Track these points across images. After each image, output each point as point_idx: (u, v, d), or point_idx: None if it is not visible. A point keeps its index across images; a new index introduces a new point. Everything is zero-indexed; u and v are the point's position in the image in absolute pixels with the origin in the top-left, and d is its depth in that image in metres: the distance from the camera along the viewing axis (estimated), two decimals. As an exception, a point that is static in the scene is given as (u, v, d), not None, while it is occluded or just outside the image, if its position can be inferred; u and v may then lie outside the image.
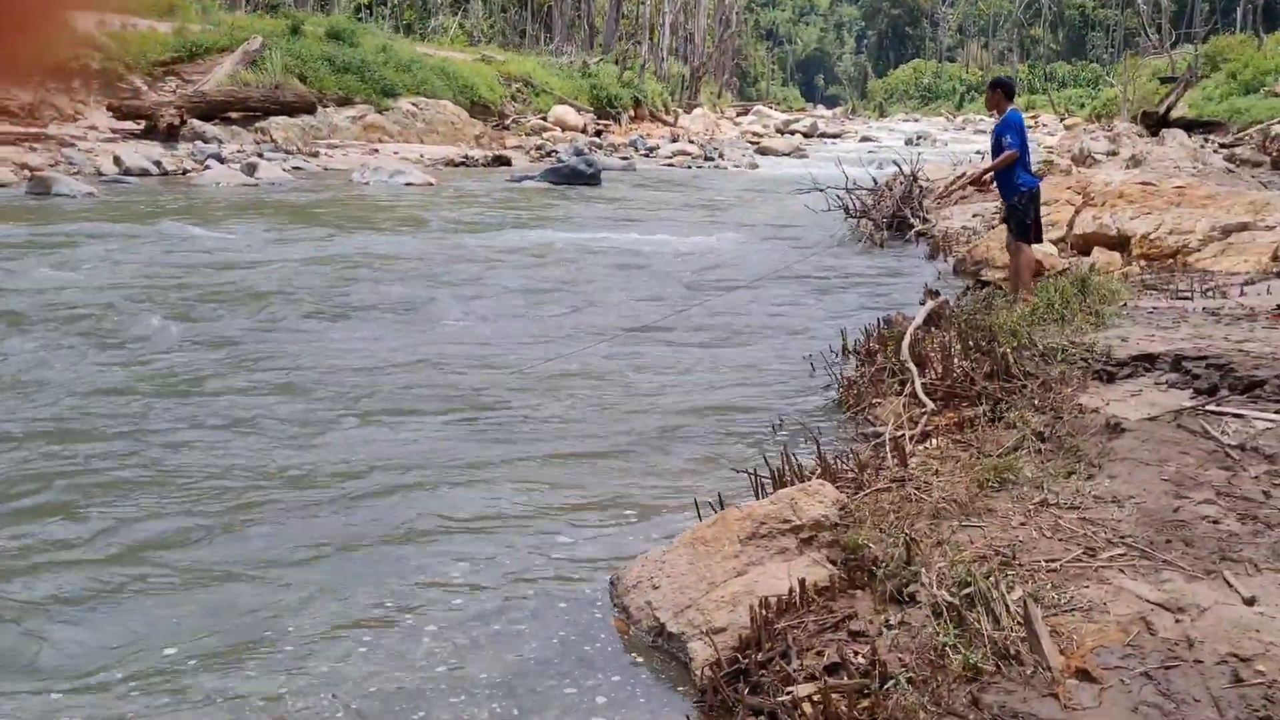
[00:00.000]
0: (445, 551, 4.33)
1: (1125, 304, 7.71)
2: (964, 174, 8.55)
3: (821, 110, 68.07)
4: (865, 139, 44.17)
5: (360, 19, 38.46)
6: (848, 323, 8.94)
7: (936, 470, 4.43)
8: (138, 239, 11.72)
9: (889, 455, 4.70)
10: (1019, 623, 2.69)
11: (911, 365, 6.07)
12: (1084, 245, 11.76)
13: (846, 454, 4.77)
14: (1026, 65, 72.53)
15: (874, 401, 6.14)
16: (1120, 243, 11.56)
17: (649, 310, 9.03)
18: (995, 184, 8.19)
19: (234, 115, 25.07)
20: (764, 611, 3.08)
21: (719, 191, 22.09)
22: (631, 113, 38.69)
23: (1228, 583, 2.93)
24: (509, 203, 18.22)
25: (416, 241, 12.91)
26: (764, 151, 36.60)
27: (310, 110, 26.37)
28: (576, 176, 22.31)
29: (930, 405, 5.62)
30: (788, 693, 2.65)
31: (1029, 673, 2.53)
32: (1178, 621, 2.70)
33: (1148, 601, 2.82)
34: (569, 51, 41.96)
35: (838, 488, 4.32)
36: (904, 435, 5.39)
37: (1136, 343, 6.12)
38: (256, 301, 8.91)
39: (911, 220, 15.07)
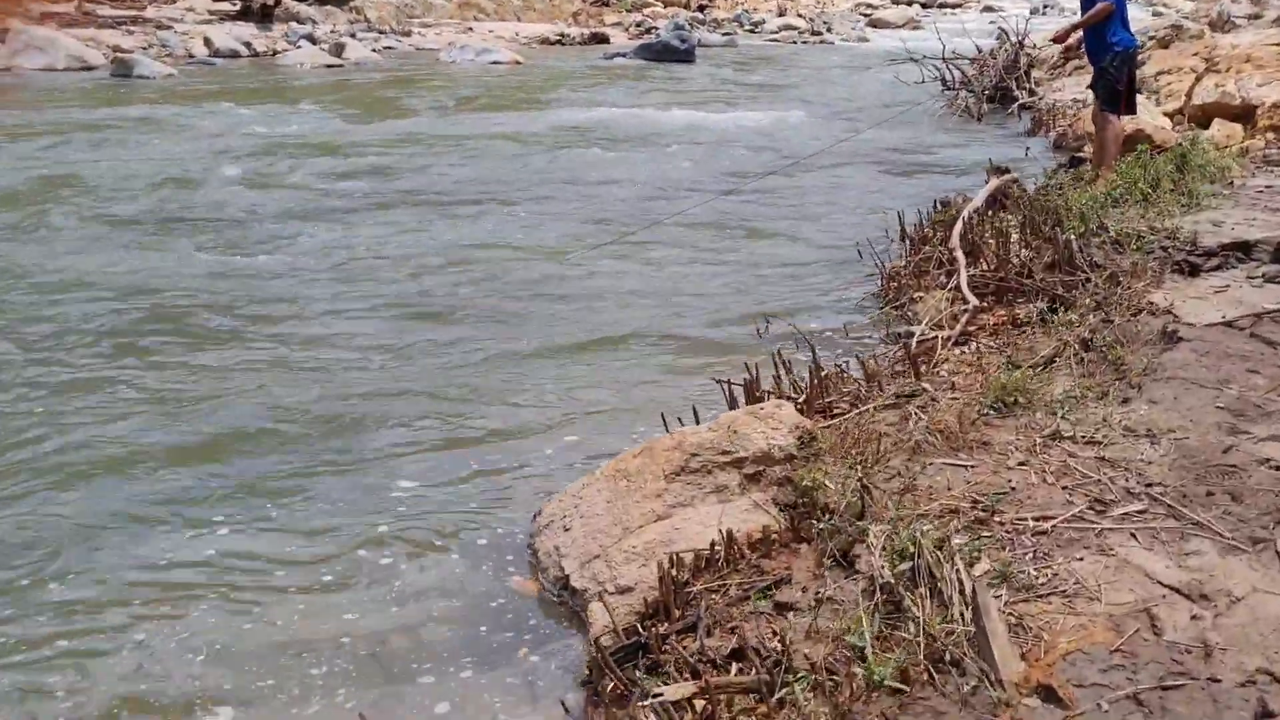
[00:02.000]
0: (400, 469, 3.76)
1: (1234, 182, 6.60)
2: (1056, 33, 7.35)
3: (944, -21, 64.14)
4: (988, 8, 41.31)
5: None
6: (923, 203, 8.04)
7: (954, 385, 3.64)
8: (189, 123, 11.29)
9: (908, 362, 3.91)
10: (970, 612, 1.97)
11: (959, 253, 5.18)
12: (1203, 118, 10.40)
13: (847, 361, 4.00)
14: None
15: (915, 296, 5.30)
16: (1245, 113, 10.16)
17: (702, 189, 8.21)
18: (1083, 45, 7.02)
19: (329, -6, 24.47)
20: (675, 570, 2.42)
21: (816, 67, 20.69)
22: (741, -15, 36.78)
23: (1282, 555, 2.15)
24: (592, 80, 17.30)
25: (477, 120, 12.20)
26: (876, 24, 34.50)
27: (405, -12, 25.60)
28: (669, 53, 21.18)
29: (973, 300, 4.77)
30: (656, 695, 2.00)
31: (969, 687, 1.82)
32: (1195, 618, 1.94)
33: (1160, 584, 2.06)
34: (675, -79, 39.92)
35: (828, 404, 3.58)
36: (937, 337, 4.58)
37: (1233, 228, 5.12)
38: (262, 191, 8.38)
39: (1015, 92, 13.71)
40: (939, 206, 6.08)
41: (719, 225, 7.17)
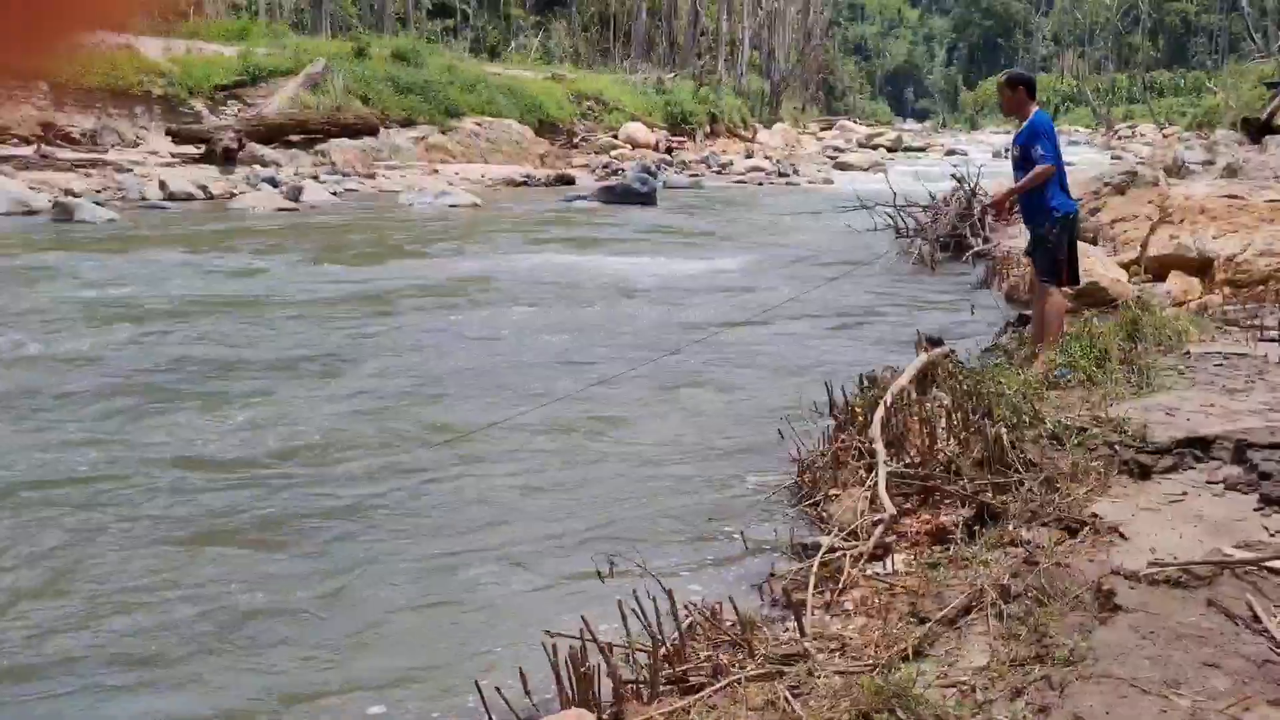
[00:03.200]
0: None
1: (1189, 351, 5.95)
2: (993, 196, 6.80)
3: (910, 124, 65.46)
4: (951, 152, 41.86)
5: (445, 41, 37.77)
6: (864, 363, 7.36)
7: (844, 645, 2.87)
8: (104, 270, 10.62)
9: (788, 606, 3.13)
10: None
11: (879, 445, 4.46)
12: (1160, 269, 9.90)
13: (725, 599, 3.22)
14: (1125, 74, 68.68)
15: (831, 493, 4.55)
16: (1202, 266, 9.66)
17: (620, 353, 7.53)
18: (1018, 208, 6.41)
19: (294, 138, 24.30)
20: None
21: (778, 210, 20.43)
22: (707, 129, 37.19)
23: None
24: (545, 224, 16.89)
25: (411, 267, 11.62)
26: (842, 167, 34.76)
27: (372, 132, 25.50)
28: (630, 195, 20.91)
29: (889, 509, 4.02)
30: None
31: None
32: None
33: None
34: (645, 68, 40.61)
35: (682, 674, 2.78)
36: (844, 553, 3.82)
37: (1188, 417, 4.43)
38: (167, 335, 7.67)
39: (970, 239, 13.28)
40: (865, 383, 5.39)
41: (627, 397, 6.43)
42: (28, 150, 20.85)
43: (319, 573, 4.00)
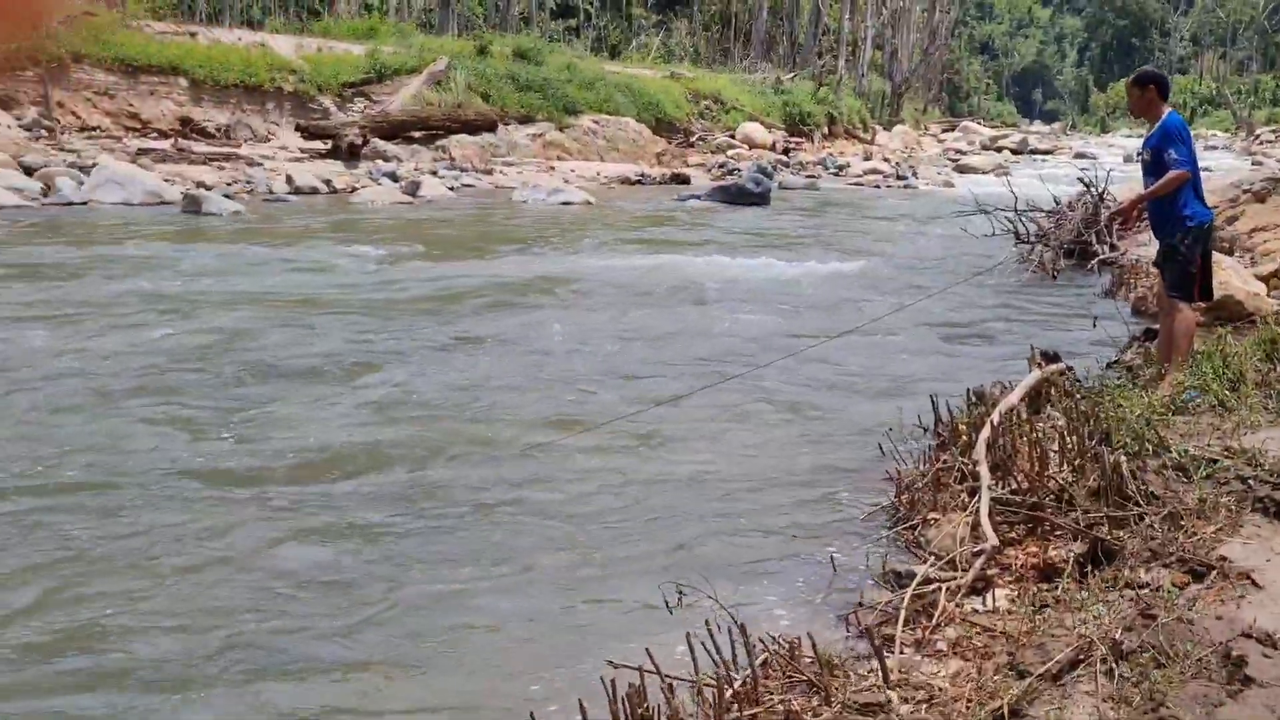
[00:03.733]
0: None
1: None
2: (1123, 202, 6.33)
3: (1038, 126, 63.29)
4: (1080, 155, 40.26)
5: (567, 41, 37.96)
6: (975, 378, 6.98)
7: (931, 698, 2.59)
8: (209, 260, 10.82)
9: (875, 651, 2.86)
10: None
11: (983, 468, 4.13)
12: (1303, 283, 9.21)
13: (804, 633, 2.96)
14: (1271, 76, 65.22)
15: (929, 517, 4.24)
16: (1352, 281, 8.96)
17: (725, 360, 7.28)
18: (1147, 216, 5.93)
19: (416, 135, 24.67)
20: None
21: (893, 214, 19.86)
22: (825, 130, 36.55)
23: None
24: (653, 224, 16.71)
25: (512, 264, 11.54)
26: (964, 170, 33.72)
27: (491, 128, 25.74)
28: (743, 196, 20.60)
29: (991, 539, 3.70)
30: None
31: None
32: None
33: None
34: (764, 68, 40.13)
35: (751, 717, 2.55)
36: (941, 585, 3.52)
37: (1335, 450, 3.98)
38: (253, 334, 7.71)
39: (1095, 247, 12.61)
40: (972, 399, 5.04)
41: (716, 409, 6.18)
42: (166, 144, 21.63)
43: (366, 589, 3.87)
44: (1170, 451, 3.94)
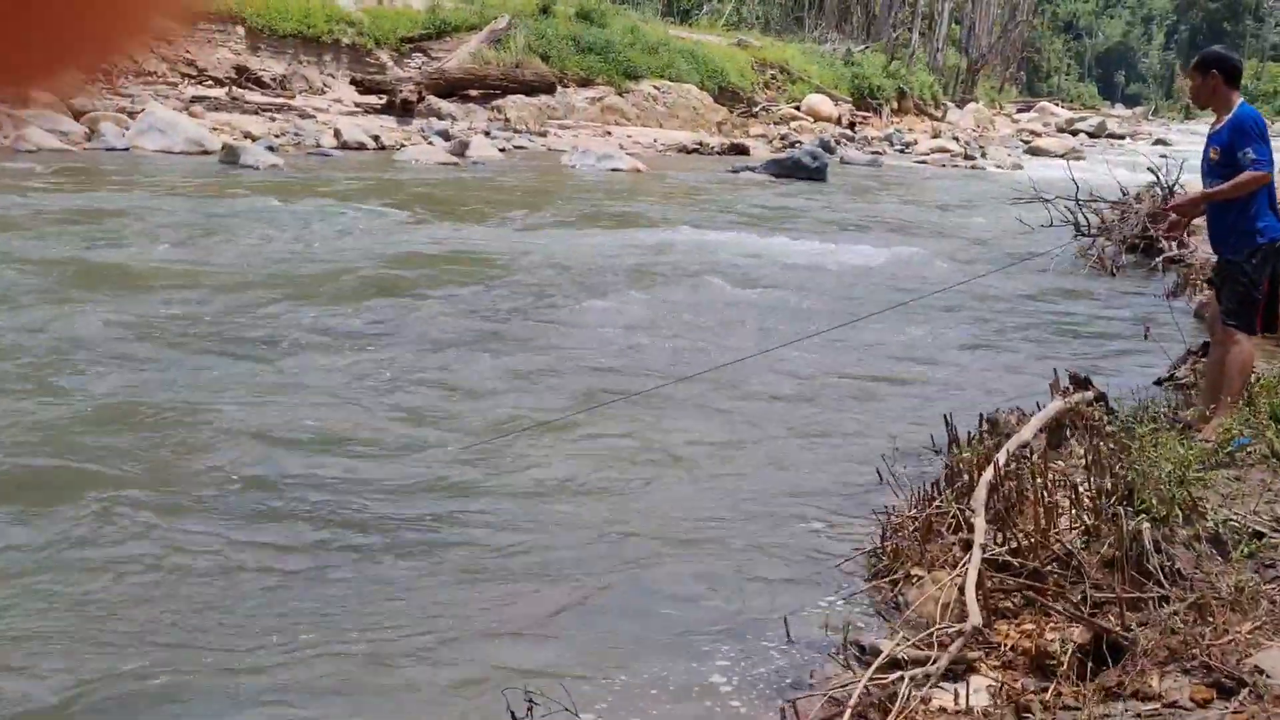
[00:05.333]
0: None
1: None
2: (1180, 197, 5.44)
3: (1118, 110, 60.73)
4: (1159, 142, 38.41)
5: (637, 4, 36.95)
6: (1004, 386, 6.25)
7: None
8: (205, 217, 10.27)
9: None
10: None
11: (979, 521, 3.43)
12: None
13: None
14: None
15: (913, 572, 3.55)
16: None
17: (724, 345, 6.58)
18: (1207, 223, 5.01)
19: (473, 93, 24.11)
20: None
21: (954, 196, 18.86)
22: (895, 105, 35.26)
23: None
24: (699, 195, 15.97)
25: (535, 234, 10.87)
26: (1035, 152, 32.32)
27: (549, 90, 25.06)
28: (799, 170, 19.71)
29: (975, 618, 3.01)
30: None
31: None
32: None
33: None
34: (835, 39, 38.81)
35: None
36: (904, 674, 2.86)
37: None
38: (266, 292, 7.17)
39: (1161, 243, 11.63)
40: (984, 426, 4.31)
41: (698, 402, 5.50)
42: (220, 92, 21.31)
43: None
44: (1206, 519, 3.20)
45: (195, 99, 20.40)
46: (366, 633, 3.19)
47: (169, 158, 15.38)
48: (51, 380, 5.30)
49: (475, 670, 3.05)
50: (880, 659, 2.92)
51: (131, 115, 17.05)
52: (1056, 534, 3.34)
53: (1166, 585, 3.01)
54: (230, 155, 15.08)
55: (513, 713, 2.39)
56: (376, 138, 19.41)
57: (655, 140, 24.52)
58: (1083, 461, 3.80)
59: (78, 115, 16.58)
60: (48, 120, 15.51)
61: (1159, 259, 11.26)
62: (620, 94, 26.26)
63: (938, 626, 3.05)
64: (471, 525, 3.99)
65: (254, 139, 17.68)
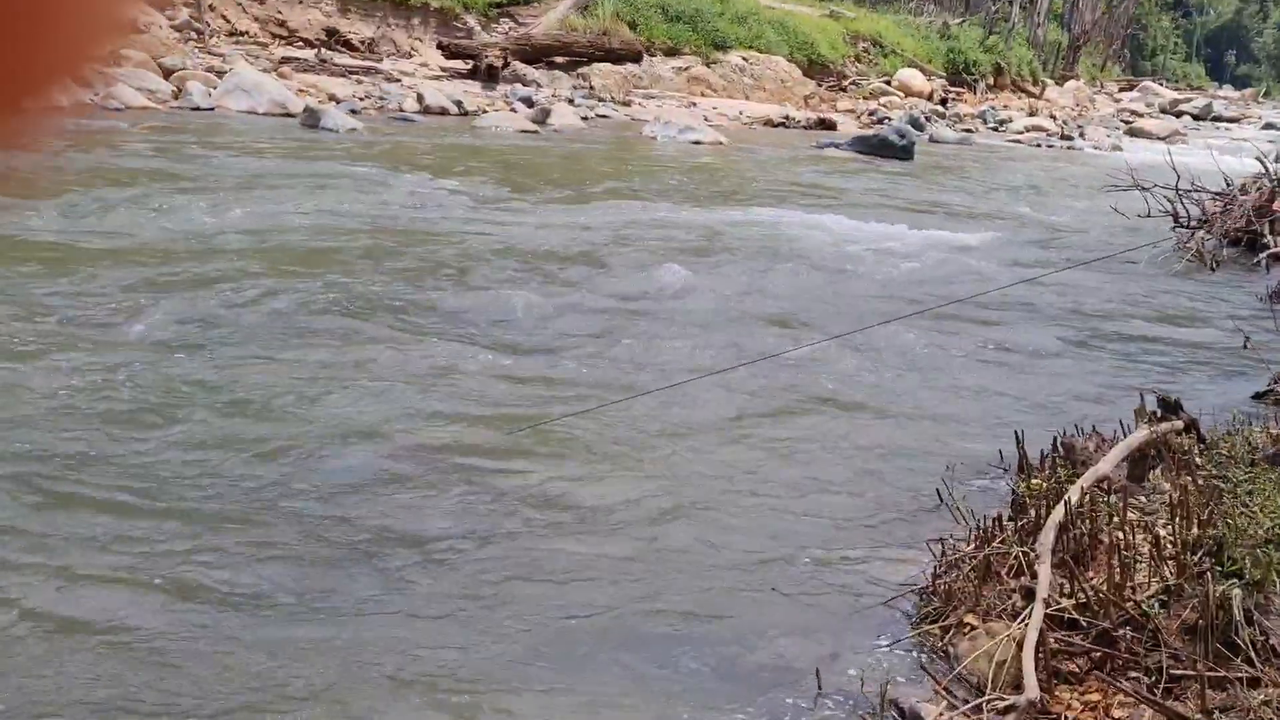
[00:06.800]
0: None
1: None
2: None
3: (1226, 91, 57.93)
4: (1269, 126, 36.47)
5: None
6: (1081, 397, 5.77)
7: None
8: (296, 179, 10.10)
9: None
10: None
11: (1044, 571, 3.01)
12: None
13: None
14: None
15: (966, 621, 3.15)
16: None
17: (777, 335, 6.16)
18: None
19: (558, 60, 23.79)
20: None
21: (1047, 178, 18.01)
22: (991, 81, 34.00)
23: None
24: (778, 171, 15.44)
25: (601, 208, 10.47)
26: (1135, 133, 30.92)
27: (635, 59, 24.62)
28: (885, 147, 19.01)
29: (1032, 689, 2.61)
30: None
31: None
32: None
33: None
34: (932, 11, 37.52)
35: None
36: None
37: None
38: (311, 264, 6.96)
39: (1267, 238, 10.84)
40: (1058, 452, 3.86)
41: (731, 402, 5.10)
42: (309, 54, 21.30)
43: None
44: (1311, 588, 2.75)
45: (285, 60, 20.43)
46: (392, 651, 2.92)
47: (252, 119, 15.36)
48: (94, 337, 5.14)
49: (482, 708, 2.76)
50: (932, 716, 2.55)
51: (219, 74, 17.07)
52: (1131, 590, 2.92)
53: (1258, 664, 2.58)
54: (311, 118, 15.00)
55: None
56: (459, 103, 19.21)
57: (740, 113, 23.94)
58: (1166, 501, 3.35)
59: (166, 74, 16.67)
60: (137, 78, 15.61)
61: (1264, 255, 10.49)
62: (707, 64, 25.70)
63: (989, 696, 2.66)
64: (489, 540, 3.69)
65: (338, 101, 17.62)
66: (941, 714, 2.63)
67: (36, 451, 3.98)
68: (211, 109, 15.64)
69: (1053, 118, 31.28)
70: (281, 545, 3.46)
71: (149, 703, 2.60)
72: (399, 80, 20.90)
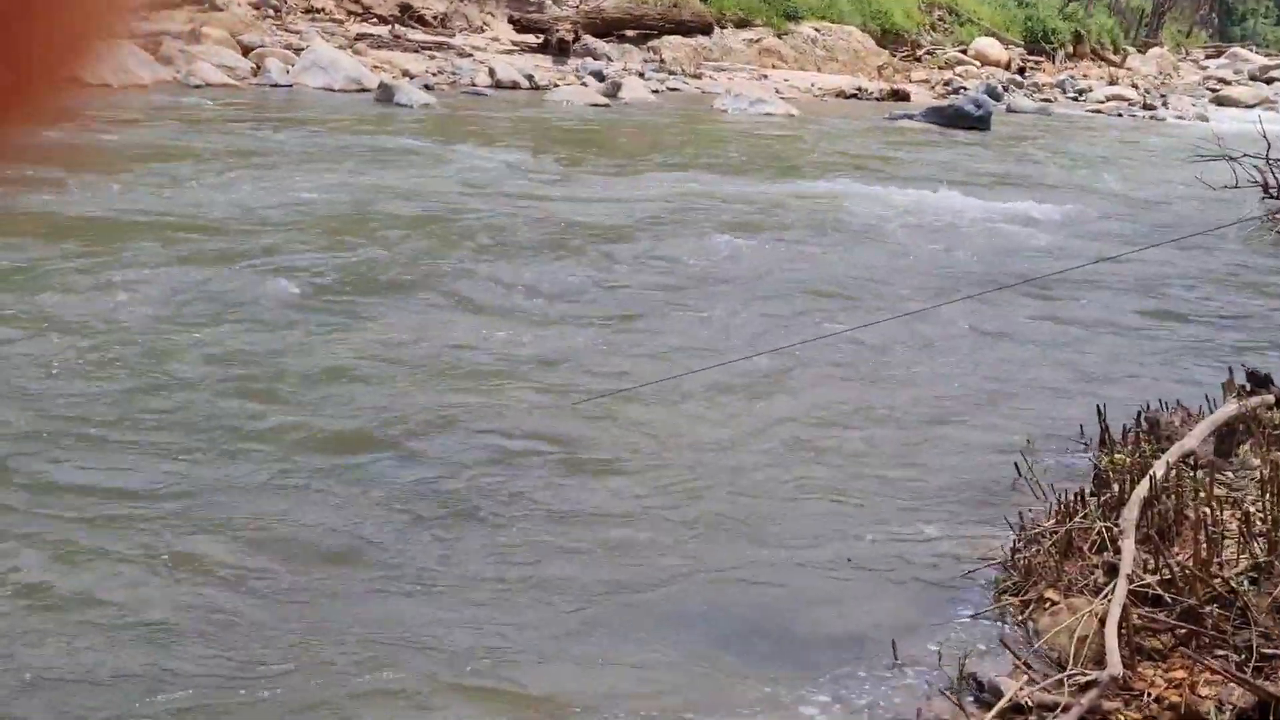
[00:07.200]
0: None
1: None
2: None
3: (1321, 57, 55.67)
4: (1368, 92, 34.95)
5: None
6: (1164, 376, 5.62)
7: None
8: (373, 153, 10.21)
9: None
10: None
11: (1128, 546, 2.94)
12: None
13: None
14: None
15: (1046, 595, 3.10)
16: None
17: (872, 303, 6.07)
18: None
19: (629, 33, 23.71)
20: None
21: (1128, 149, 17.52)
22: (1070, 49, 33.09)
23: None
24: (850, 143, 15.23)
25: (669, 180, 10.38)
26: (1222, 102, 29.81)
27: (706, 31, 24.45)
28: (960, 118, 18.61)
29: (1115, 666, 2.56)
30: None
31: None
32: None
33: None
34: (1009, -22, 36.55)
35: None
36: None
37: None
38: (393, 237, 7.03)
39: (1362, 209, 10.44)
40: (1142, 426, 3.77)
41: (805, 377, 5.04)
42: (384, 30, 21.51)
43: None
44: None
45: (359, 36, 20.64)
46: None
47: (329, 95, 15.57)
48: (144, 311, 5.28)
49: (546, 686, 2.78)
50: (1000, 703, 2.51)
51: (296, 51, 17.32)
52: (1219, 566, 2.84)
53: (1355, 645, 2.50)
54: (385, 93, 15.16)
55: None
56: (530, 77, 19.25)
57: (812, 84, 23.63)
58: (1255, 478, 3.25)
59: (245, 51, 16.96)
60: (217, 55, 15.91)
61: (1359, 227, 10.11)
62: (778, 35, 25.41)
63: (1070, 671, 2.62)
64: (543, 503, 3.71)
65: (412, 77, 17.79)
66: (1021, 688, 2.59)
67: (84, 419, 4.09)
68: (289, 85, 15.87)
69: (1134, 86, 30.35)
70: (322, 521, 3.51)
71: (154, 680, 2.64)
72: (471, 55, 21.02)
